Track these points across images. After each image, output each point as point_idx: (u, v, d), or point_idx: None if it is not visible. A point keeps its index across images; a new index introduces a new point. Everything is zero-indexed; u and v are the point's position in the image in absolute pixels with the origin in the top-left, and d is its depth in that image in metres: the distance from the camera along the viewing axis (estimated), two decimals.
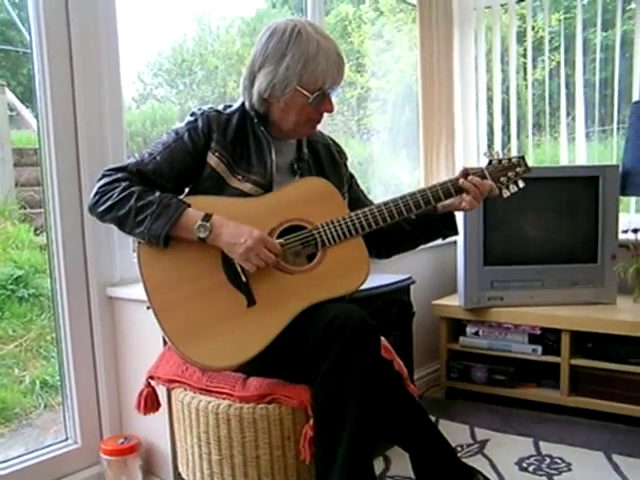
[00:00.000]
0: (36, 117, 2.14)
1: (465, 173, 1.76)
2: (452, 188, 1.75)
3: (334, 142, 1.97)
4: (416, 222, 1.86)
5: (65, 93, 2.09)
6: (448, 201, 1.78)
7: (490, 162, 1.80)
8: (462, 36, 3.67)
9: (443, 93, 3.49)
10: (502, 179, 1.78)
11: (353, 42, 3.71)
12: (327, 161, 1.89)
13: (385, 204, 1.73)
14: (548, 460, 2.38)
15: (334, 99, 1.73)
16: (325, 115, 1.75)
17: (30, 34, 2.07)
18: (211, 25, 3.58)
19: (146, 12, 2.81)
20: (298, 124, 1.72)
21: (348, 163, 1.99)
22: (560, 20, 3.50)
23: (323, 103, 1.70)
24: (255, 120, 1.75)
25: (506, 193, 1.80)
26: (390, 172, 3.84)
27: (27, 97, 3.31)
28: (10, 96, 3.47)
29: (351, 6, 3.74)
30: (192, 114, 1.74)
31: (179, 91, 3.68)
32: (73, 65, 2.09)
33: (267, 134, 1.75)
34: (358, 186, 2.00)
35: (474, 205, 1.75)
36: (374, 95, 3.78)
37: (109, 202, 1.61)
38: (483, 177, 1.76)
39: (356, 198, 1.93)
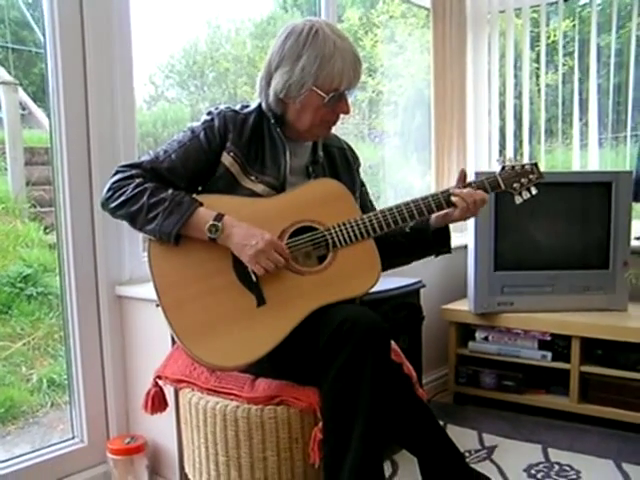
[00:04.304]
0: (48, 116, 2.15)
1: (461, 178, 1.77)
2: (443, 199, 1.73)
3: (349, 147, 1.96)
4: (409, 235, 1.84)
5: (77, 93, 2.09)
6: (442, 212, 1.76)
7: (503, 168, 1.79)
8: (475, 40, 3.66)
9: (455, 97, 3.48)
10: (515, 185, 1.78)
11: (365, 45, 3.70)
12: (342, 165, 1.88)
13: (397, 207, 1.72)
14: (557, 467, 2.36)
15: (350, 101, 1.72)
16: (341, 116, 1.74)
17: (44, 34, 2.07)
18: (222, 27, 3.59)
19: (159, 14, 2.82)
20: (313, 125, 1.71)
21: (360, 170, 1.98)
22: (574, 25, 3.48)
23: (339, 104, 1.69)
24: (272, 121, 1.74)
25: (518, 200, 1.79)
26: (401, 176, 3.83)
27: (39, 96, 3.33)
28: (22, 95, 3.49)
29: (363, 10, 3.74)
30: (209, 113, 1.74)
31: (190, 93, 3.69)
32: (86, 65, 2.10)
33: (283, 135, 1.74)
34: (367, 194, 1.98)
35: (464, 215, 1.73)
36: (385, 99, 3.78)
37: (122, 198, 1.61)
38: (481, 187, 1.75)
39: (363, 205, 1.91)
